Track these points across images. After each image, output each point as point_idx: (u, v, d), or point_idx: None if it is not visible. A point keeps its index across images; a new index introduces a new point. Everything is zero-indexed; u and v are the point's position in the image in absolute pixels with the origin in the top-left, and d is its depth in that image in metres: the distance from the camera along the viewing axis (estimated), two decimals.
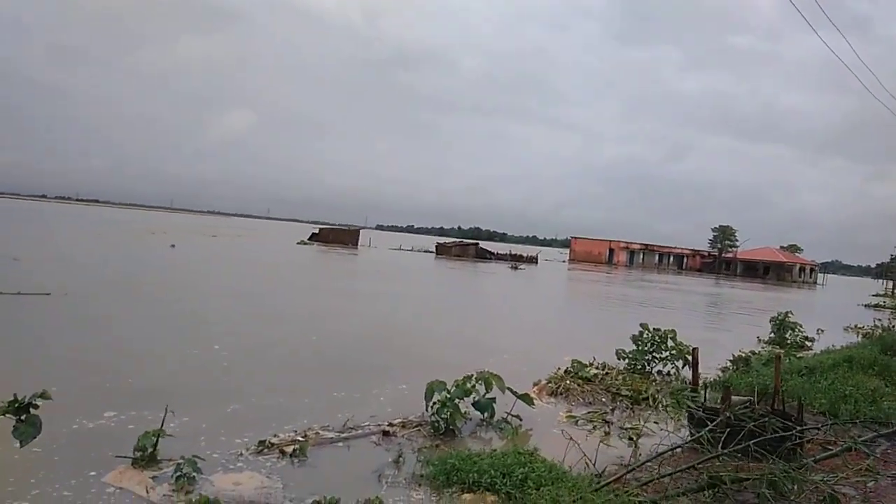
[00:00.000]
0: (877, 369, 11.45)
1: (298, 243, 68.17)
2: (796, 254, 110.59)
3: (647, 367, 12.10)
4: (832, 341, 19.23)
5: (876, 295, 63.09)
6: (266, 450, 6.33)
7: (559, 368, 10.94)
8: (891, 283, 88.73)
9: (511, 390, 8.16)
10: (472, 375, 7.90)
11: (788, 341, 18.08)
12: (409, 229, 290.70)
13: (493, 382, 7.83)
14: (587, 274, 63.01)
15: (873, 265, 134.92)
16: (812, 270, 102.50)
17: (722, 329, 24.12)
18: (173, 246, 40.42)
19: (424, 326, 17.03)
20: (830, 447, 7.47)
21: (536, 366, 11.40)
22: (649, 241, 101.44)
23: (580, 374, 10.62)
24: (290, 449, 6.34)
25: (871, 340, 16.29)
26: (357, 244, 73.23)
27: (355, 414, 7.75)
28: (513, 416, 8.06)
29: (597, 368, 12.03)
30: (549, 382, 10.07)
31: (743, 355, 13.21)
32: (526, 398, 8.21)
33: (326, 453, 6.56)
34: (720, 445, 6.44)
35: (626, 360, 12.01)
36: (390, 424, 7.44)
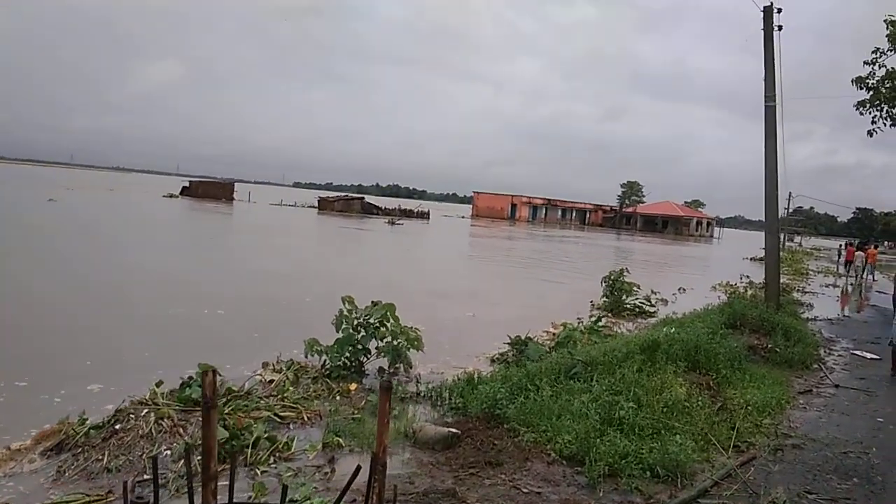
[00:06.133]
0: (689, 363, 7.32)
1: (164, 196, 61.12)
2: (698, 209, 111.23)
3: (361, 365, 7.70)
4: (690, 303, 15.70)
5: None
6: None
7: (160, 383, 6.25)
8: (783, 237, 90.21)
9: None
10: None
11: (628, 305, 14.26)
12: (328, 186, 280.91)
13: None
14: (478, 230, 59.05)
15: None
16: (709, 224, 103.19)
17: (571, 286, 20.30)
18: (52, 200, 39.12)
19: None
20: None
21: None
22: (561, 197, 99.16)
23: (190, 395, 5.98)
24: None
25: (718, 308, 12.56)
26: (231, 199, 66.37)
27: None
28: None
29: (275, 371, 7.54)
30: (64, 428, 5.28)
31: (523, 337, 8.96)
32: None
33: None
34: None
35: (323, 357, 7.51)
36: None
